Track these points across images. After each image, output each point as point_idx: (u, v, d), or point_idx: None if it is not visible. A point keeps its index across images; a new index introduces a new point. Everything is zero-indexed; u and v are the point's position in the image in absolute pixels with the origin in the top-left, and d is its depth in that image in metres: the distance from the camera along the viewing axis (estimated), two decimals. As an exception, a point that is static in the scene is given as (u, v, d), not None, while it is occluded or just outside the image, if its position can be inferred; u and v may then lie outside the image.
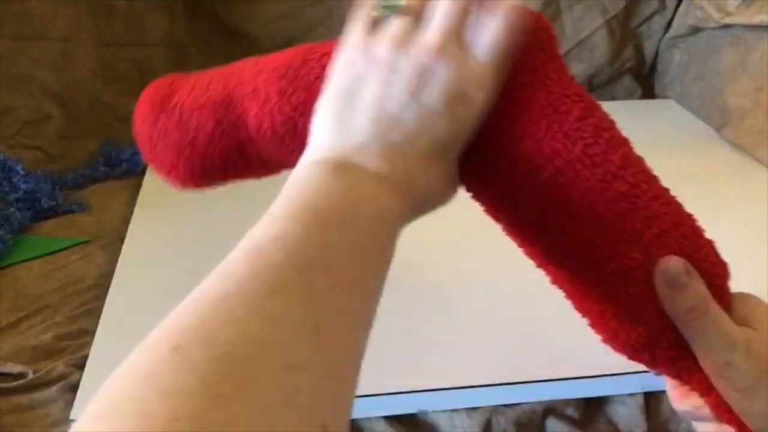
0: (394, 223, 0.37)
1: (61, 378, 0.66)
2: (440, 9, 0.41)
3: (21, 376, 0.67)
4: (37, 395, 0.65)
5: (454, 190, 0.42)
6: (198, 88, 0.49)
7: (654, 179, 0.43)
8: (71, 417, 0.61)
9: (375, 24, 0.42)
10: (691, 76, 1.22)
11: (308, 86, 0.45)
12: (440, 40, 0.40)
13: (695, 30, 1.22)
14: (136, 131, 0.51)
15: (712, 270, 0.41)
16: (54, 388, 0.66)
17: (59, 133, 1.10)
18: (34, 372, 0.67)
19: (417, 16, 0.41)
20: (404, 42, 0.40)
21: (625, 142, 0.43)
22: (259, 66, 0.48)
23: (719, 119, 1.12)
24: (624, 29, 1.27)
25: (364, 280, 0.33)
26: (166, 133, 0.49)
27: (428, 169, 0.39)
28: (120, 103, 1.13)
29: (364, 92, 0.39)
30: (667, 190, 0.43)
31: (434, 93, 0.39)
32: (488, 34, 0.40)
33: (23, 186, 0.94)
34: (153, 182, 0.98)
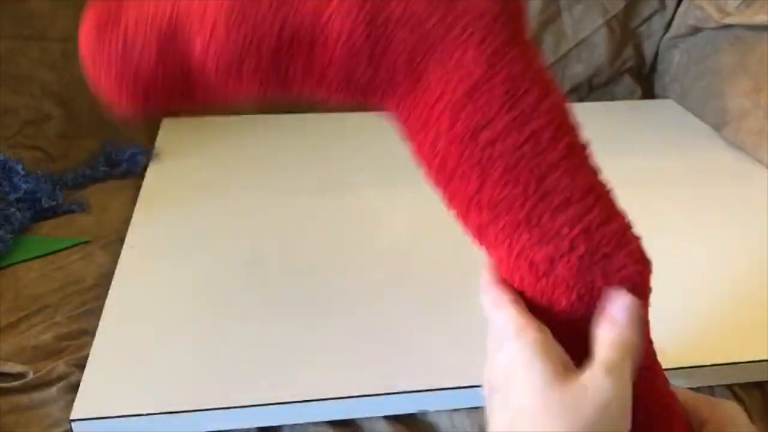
0: None
1: (61, 378, 0.66)
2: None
3: (21, 376, 0.67)
4: (37, 395, 0.65)
5: None
6: (144, 13, 0.46)
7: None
8: (71, 417, 0.61)
9: None
10: (691, 76, 1.22)
11: (257, 17, 0.43)
12: None
13: (695, 30, 1.22)
14: (81, 54, 0.49)
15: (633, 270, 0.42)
16: (54, 388, 0.66)
17: (59, 133, 1.10)
18: (34, 372, 0.67)
19: None
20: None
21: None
22: None
23: (719, 119, 1.12)
24: (624, 29, 1.27)
25: None
26: (110, 60, 0.47)
27: None
28: (120, 103, 1.13)
29: None
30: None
31: None
32: None
33: (23, 186, 0.94)
34: (153, 182, 0.97)
